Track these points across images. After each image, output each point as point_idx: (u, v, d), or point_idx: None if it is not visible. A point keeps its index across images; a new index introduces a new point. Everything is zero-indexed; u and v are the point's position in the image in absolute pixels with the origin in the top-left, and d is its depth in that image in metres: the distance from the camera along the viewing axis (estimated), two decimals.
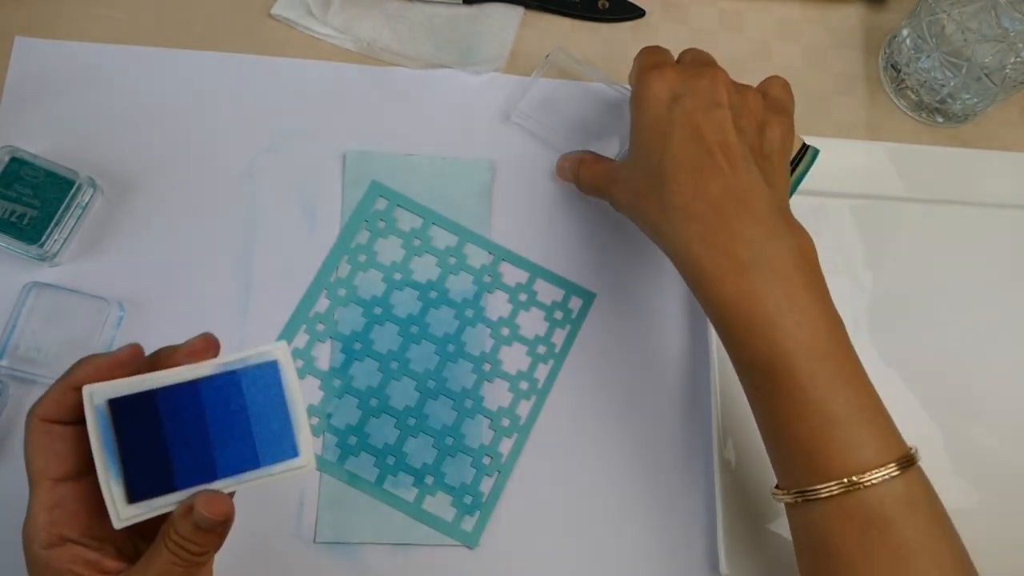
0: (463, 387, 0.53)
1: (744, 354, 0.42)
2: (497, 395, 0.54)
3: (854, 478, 0.39)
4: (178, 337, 0.52)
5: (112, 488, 0.34)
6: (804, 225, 0.59)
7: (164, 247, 0.53)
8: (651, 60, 0.48)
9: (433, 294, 0.55)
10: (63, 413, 0.35)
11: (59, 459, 0.35)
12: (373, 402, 0.52)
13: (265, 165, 0.56)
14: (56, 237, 0.50)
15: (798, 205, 0.59)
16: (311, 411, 0.52)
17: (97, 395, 0.35)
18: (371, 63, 0.59)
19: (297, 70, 0.58)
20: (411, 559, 0.51)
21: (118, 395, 0.35)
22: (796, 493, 0.41)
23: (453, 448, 0.52)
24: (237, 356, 0.37)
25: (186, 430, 0.36)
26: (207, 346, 0.38)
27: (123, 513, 0.34)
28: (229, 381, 0.37)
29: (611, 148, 0.59)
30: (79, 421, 0.35)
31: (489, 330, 0.55)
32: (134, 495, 0.34)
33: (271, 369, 0.37)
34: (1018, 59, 0.56)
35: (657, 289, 0.57)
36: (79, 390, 0.34)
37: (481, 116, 0.59)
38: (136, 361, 0.36)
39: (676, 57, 0.50)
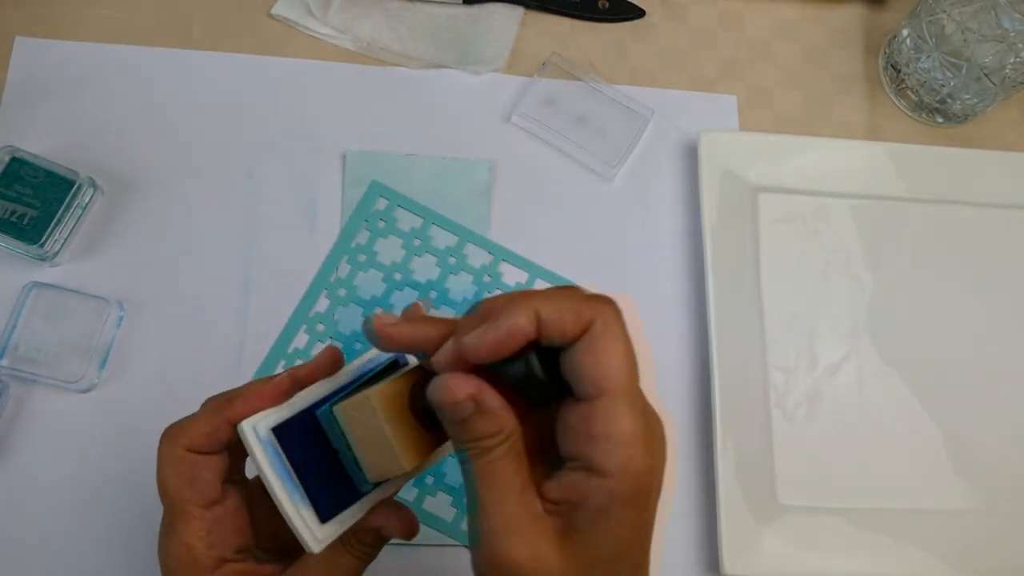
0: None
1: None
2: None
3: None
4: (178, 337, 0.52)
5: (302, 514, 0.33)
6: (804, 225, 0.60)
7: (164, 247, 0.53)
8: None
9: (433, 294, 0.55)
10: (213, 446, 0.35)
11: (208, 488, 0.34)
12: None
13: (265, 165, 0.56)
14: (56, 237, 0.50)
15: (799, 205, 0.60)
16: None
17: (260, 428, 0.33)
18: (371, 63, 0.59)
19: (297, 70, 0.58)
20: (411, 559, 0.50)
21: (279, 421, 0.33)
22: None
23: None
24: (364, 359, 0.36)
25: None
26: (335, 359, 0.37)
27: (320, 535, 0.33)
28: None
29: (610, 148, 0.59)
30: (221, 450, 0.35)
31: None
32: (324, 515, 0.33)
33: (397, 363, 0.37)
34: (1018, 59, 0.56)
35: (657, 289, 0.57)
36: (234, 425, 0.33)
37: (481, 116, 0.59)
38: (296, 389, 0.35)
39: None
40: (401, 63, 0.59)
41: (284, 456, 0.33)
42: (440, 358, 0.30)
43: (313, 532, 0.33)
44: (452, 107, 0.59)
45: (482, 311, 0.30)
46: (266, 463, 0.33)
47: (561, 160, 0.59)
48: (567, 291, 0.30)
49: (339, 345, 0.53)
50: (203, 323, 0.52)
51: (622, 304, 0.31)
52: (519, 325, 0.28)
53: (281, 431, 0.33)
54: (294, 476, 0.33)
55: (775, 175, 0.59)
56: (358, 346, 0.53)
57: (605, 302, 0.30)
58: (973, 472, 0.56)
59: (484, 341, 0.29)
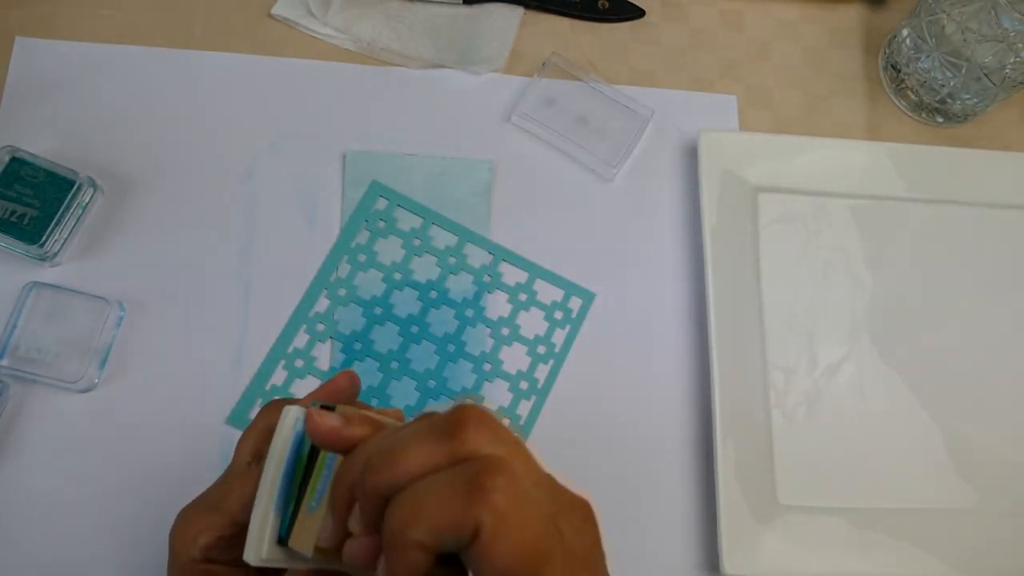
0: (463, 387, 0.53)
1: None
2: (497, 395, 0.54)
3: None
4: (178, 337, 0.52)
5: (269, 519, 0.31)
6: (804, 225, 0.60)
7: (164, 247, 0.53)
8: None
9: (433, 294, 0.55)
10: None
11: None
12: (374, 402, 0.52)
13: (265, 165, 0.56)
14: (56, 237, 0.50)
15: (799, 205, 0.60)
16: None
17: (301, 422, 0.31)
18: (371, 63, 0.59)
19: (297, 70, 0.58)
20: None
21: None
22: None
23: None
24: (286, 435, 0.33)
25: None
26: (353, 385, 0.37)
27: (265, 552, 0.31)
28: None
29: (610, 148, 0.59)
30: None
31: (489, 330, 0.55)
32: (284, 537, 0.31)
33: None
34: (1018, 59, 0.56)
35: (657, 289, 0.57)
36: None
37: (481, 116, 0.59)
38: (354, 389, 0.36)
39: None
40: (401, 63, 0.59)
41: (298, 462, 0.31)
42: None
43: (263, 545, 0.31)
44: (452, 107, 0.59)
45: (369, 510, 0.28)
46: (279, 452, 0.31)
47: (561, 160, 0.59)
48: (451, 487, 0.26)
49: (333, 341, 0.53)
50: (203, 323, 0.52)
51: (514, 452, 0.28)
52: (418, 564, 0.26)
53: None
54: (291, 484, 0.31)
55: (775, 175, 0.59)
56: (358, 346, 0.53)
57: (491, 491, 0.26)
58: (973, 472, 0.56)
59: None
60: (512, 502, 0.26)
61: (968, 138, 0.64)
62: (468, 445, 0.27)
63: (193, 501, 0.36)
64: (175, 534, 0.35)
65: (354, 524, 0.29)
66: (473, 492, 0.26)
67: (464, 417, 0.28)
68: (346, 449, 0.31)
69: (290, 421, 0.32)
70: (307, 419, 0.31)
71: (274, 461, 0.31)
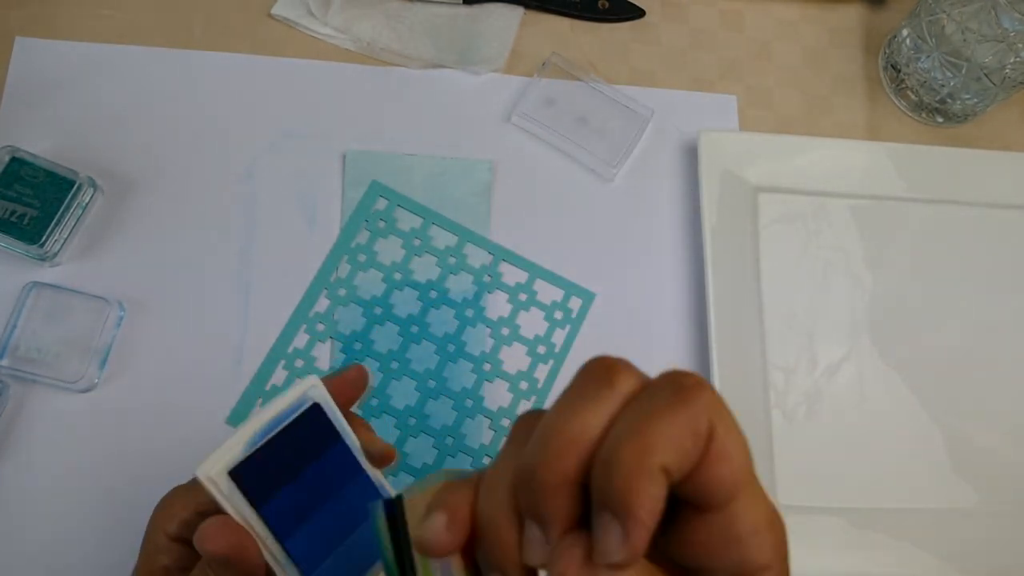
0: (463, 387, 0.53)
1: None
2: (497, 395, 0.54)
3: None
4: (178, 337, 0.52)
5: (239, 450, 0.31)
6: (804, 225, 0.60)
7: (164, 247, 0.53)
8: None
9: (433, 294, 0.55)
10: None
11: None
12: (373, 402, 0.52)
13: (265, 165, 0.56)
14: (56, 237, 0.50)
15: (799, 205, 0.60)
16: None
17: (316, 388, 0.32)
18: (371, 63, 0.59)
19: (297, 70, 0.58)
20: None
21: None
22: None
23: (453, 448, 0.52)
24: (279, 407, 0.32)
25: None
26: (363, 377, 0.37)
27: (215, 472, 0.30)
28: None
29: (610, 148, 0.59)
30: None
31: (489, 330, 0.55)
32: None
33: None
34: (1018, 59, 0.56)
35: (657, 289, 0.57)
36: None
37: (481, 116, 0.59)
38: (363, 382, 0.36)
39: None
40: (401, 63, 0.59)
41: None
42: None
43: (217, 462, 0.30)
44: (452, 107, 0.59)
45: (553, 484, 0.23)
46: (278, 405, 0.31)
47: (561, 160, 0.59)
48: (664, 401, 0.23)
49: (333, 341, 0.53)
50: (203, 323, 0.52)
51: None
52: (657, 501, 0.22)
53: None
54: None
55: (775, 175, 0.59)
56: (358, 346, 0.53)
57: (701, 390, 0.23)
58: (973, 472, 0.56)
59: (636, 549, 0.22)
60: (726, 405, 0.24)
61: (968, 138, 0.64)
62: (623, 387, 0.24)
63: (176, 486, 0.36)
64: (154, 514, 0.35)
65: (535, 538, 0.24)
66: (689, 398, 0.23)
67: (611, 364, 0.24)
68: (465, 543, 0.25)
69: (304, 386, 0.32)
70: (418, 542, 0.25)
71: (269, 409, 0.31)
